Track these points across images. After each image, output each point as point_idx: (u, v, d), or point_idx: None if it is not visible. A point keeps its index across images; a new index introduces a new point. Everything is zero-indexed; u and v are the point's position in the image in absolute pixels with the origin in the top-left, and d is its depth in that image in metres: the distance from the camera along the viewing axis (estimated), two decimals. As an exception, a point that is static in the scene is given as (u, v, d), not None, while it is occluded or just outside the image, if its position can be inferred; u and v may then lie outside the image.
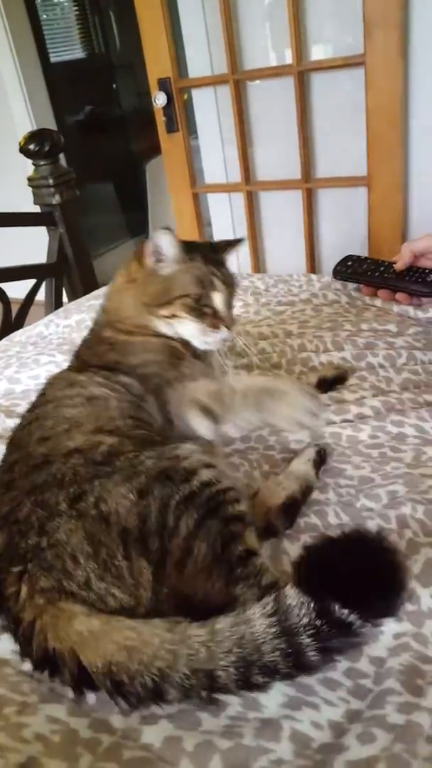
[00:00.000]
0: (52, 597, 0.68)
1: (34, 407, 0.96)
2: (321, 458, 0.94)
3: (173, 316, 1.01)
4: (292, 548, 0.80)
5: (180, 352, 1.02)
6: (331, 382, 1.13)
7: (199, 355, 1.03)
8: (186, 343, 1.03)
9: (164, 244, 1.00)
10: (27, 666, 0.69)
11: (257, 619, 0.62)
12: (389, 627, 0.69)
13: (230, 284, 1.06)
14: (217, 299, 1.02)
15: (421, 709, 0.60)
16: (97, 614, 0.66)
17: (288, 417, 0.85)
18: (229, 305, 1.05)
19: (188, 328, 1.01)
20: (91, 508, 0.72)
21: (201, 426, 0.87)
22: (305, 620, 0.61)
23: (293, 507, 0.86)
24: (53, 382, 1.00)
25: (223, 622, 0.63)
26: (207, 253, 1.06)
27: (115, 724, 0.63)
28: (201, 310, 1.01)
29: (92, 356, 1.03)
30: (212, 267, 1.03)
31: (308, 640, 0.60)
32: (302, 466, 0.92)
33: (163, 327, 1.02)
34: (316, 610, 0.61)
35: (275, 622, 0.61)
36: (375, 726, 0.59)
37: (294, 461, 0.94)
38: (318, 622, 0.61)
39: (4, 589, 0.71)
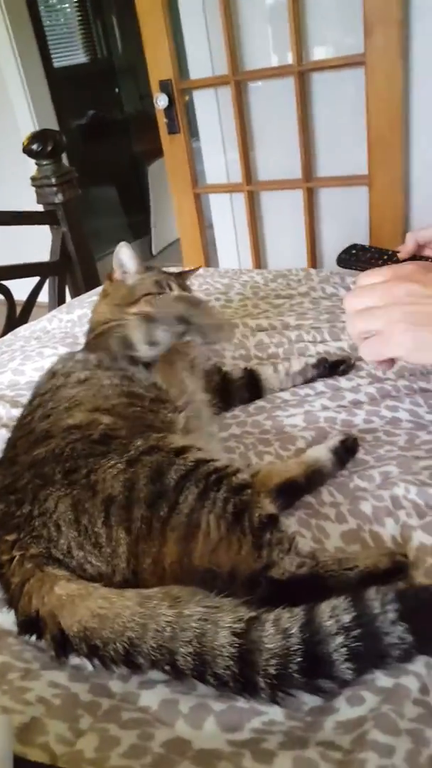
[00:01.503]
0: (39, 562, 0.70)
1: (31, 401, 1.01)
2: (347, 448, 0.93)
3: (140, 312, 1.13)
4: (284, 521, 0.82)
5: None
6: (332, 365, 1.15)
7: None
8: None
9: (125, 257, 1.21)
10: (30, 637, 0.71)
11: (222, 629, 0.61)
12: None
13: (187, 289, 1.25)
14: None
15: (408, 673, 0.62)
16: (77, 580, 0.69)
17: (199, 321, 0.96)
18: None
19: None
20: (82, 477, 0.74)
21: (140, 333, 0.98)
22: (271, 670, 0.58)
23: (292, 489, 0.86)
24: (42, 378, 1.07)
25: (192, 610, 0.62)
26: (165, 272, 1.27)
27: (114, 688, 0.65)
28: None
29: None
30: (169, 276, 1.23)
31: (262, 683, 0.58)
32: (316, 452, 0.92)
33: None
34: (300, 664, 0.58)
35: (237, 643, 0.60)
36: (364, 689, 0.61)
37: (314, 447, 0.94)
38: (292, 674, 0.58)
39: None
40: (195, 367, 1.11)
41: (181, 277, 1.28)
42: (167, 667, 0.61)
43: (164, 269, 1.31)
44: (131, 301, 1.16)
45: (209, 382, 1.11)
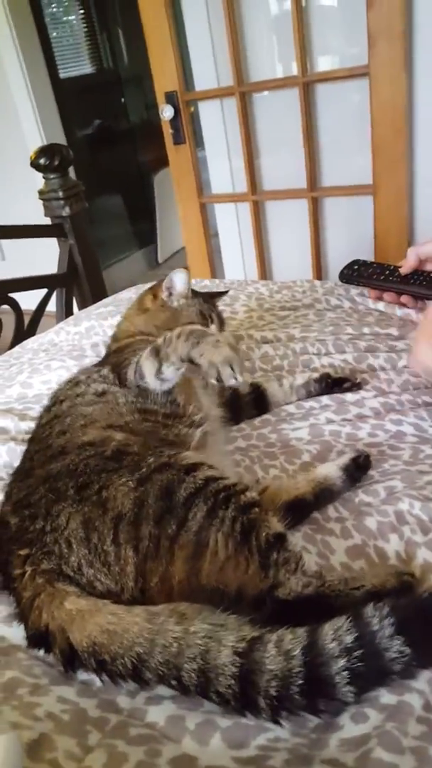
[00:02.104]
0: (50, 578, 0.72)
1: (50, 408, 1.02)
2: (359, 466, 0.93)
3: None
4: (292, 539, 0.83)
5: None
6: (334, 383, 1.15)
7: None
8: None
9: (178, 281, 1.19)
10: (39, 651, 0.72)
11: (225, 648, 0.62)
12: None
13: (222, 322, 1.26)
14: (214, 331, 1.15)
15: (412, 690, 0.63)
16: (86, 596, 0.70)
17: (209, 359, 0.91)
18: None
19: None
20: (94, 494, 0.76)
21: (149, 367, 0.96)
22: (272, 691, 0.59)
23: (300, 507, 0.87)
24: (61, 386, 1.09)
25: (197, 626, 0.64)
26: (205, 297, 1.26)
27: (122, 704, 0.66)
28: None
29: (100, 364, 1.14)
30: (210, 306, 1.23)
31: (263, 703, 0.60)
32: (325, 470, 0.92)
33: None
34: (301, 686, 0.59)
35: (239, 663, 0.61)
36: (368, 706, 0.61)
37: (324, 464, 0.94)
38: (293, 696, 0.59)
39: (11, 570, 0.75)
40: (209, 383, 1.12)
41: (213, 300, 1.28)
42: (173, 682, 0.62)
43: (195, 289, 1.27)
44: (173, 327, 1.08)
45: (221, 397, 1.12)
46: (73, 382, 1.05)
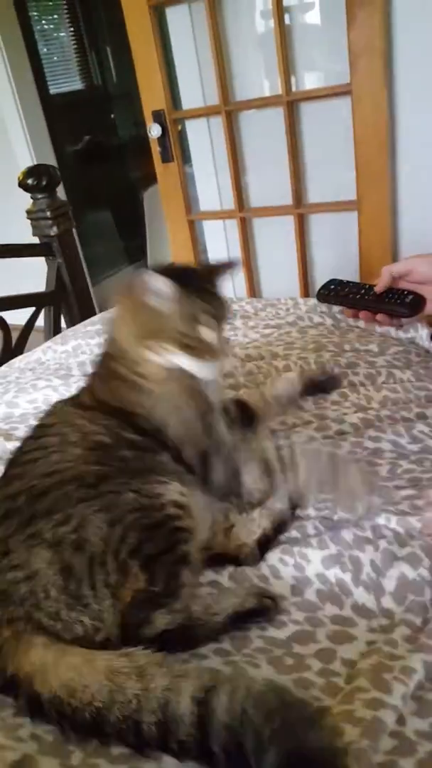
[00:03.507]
0: (18, 627, 0.73)
1: (37, 436, 0.96)
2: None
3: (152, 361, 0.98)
4: (272, 557, 0.85)
5: (202, 392, 0.97)
6: (320, 387, 1.17)
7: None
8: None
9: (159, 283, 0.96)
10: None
11: (184, 695, 0.63)
12: (362, 634, 0.75)
13: (220, 315, 0.97)
14: (205, 332, 0.94)
15: (386, 706, 0.64)
16: (53, 646, 0.71)
17: (349, 491, 0.87)
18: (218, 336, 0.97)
19: (182, 362, 0.95)
20: (71, 533, 0.77)
21: (252, 479, 0.91)
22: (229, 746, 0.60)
23: (266, 544, 0.88)
24: (58, 412, 1.00)
25: (156, 682, 0.65)
26: (198, 283, 0.97)
27: (104, 724, 0.67)
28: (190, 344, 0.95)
29: (105, 392, 0.99)
30: (200, 301, 0.94)
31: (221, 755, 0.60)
32: (278, 504, 0.92)
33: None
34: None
35: (196, 712, 0.62)
36: (344, 722, 0.63)
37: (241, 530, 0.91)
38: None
39: None
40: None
41: (215, 284, 1.00)
42: (132, 739, 0.63)
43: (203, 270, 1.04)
44: (153, 337, 0.94)
45: None
46: (70, 423, 0.95)
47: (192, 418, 0.94)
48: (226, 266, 1.05)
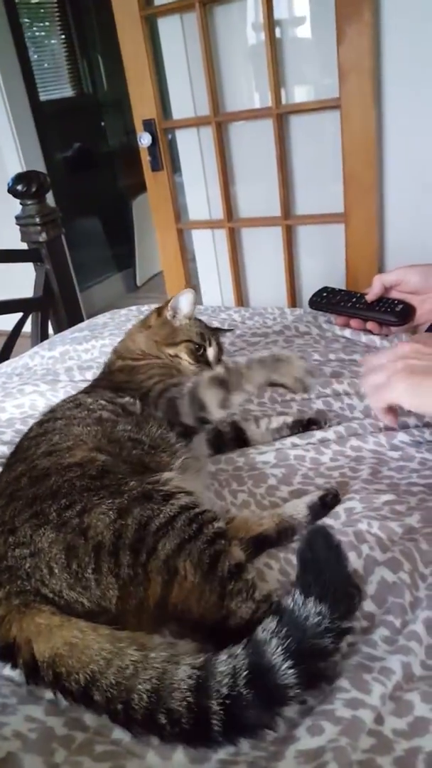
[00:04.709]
0: (27, 599, 0.74)
1: (42, 422, 1.04)
2: (325, 504, 0.94)
3: (176, 356, 1.23)
4: (249, 567, 0.86)
5: (179, 371, 1.21)
6: (306, 423, 1.17)
7: None
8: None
9: (184, 301, 1.26)
10: (7, 671, 0.74)
11: (183, 664, 0.64)
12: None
13: (221, 349, 1.31)
14: (210, 353, 1.26)
15: (366, 706, 0.66)
16: (60, 613, 0.72)
17: (292, 375, 1.01)
18: (218, 361, 1.26)
19: (186, 369, 1.22)
20: (75, 517, 0.78)
21: (213, 398, 1.02)
22: (224, 690, 0.62)
23: (261, 542, 0.89)
24: (62, 403, 1.11)
25: (156, 653, 0.66)
26: (211, 328, 1.33)
27: (88, 722, 0.68)
28: (197, 357, 1.23)
29: (104, 381, 1.21)
30: (213, 334, 1.29)
31: (216, 708, 0.61)
32: (292, 508, 0.93)
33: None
34: (248, 678, 0.62)
35: (195, 676, 0.63)
36: (324, 719, 0.64)
37: (292, 501, 0.96)
38: (242, 691, 0.61)
39: None
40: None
41: (217, 332, 1.34)
42: (119, 707, 0.64)
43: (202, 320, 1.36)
44: (171, 342, 1.24)
45: (208, 434, 1.15)
46: (76, 402, 1.07)
47: (157, 373, 1.16)
48: (225, 330, 1.47)
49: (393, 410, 0.97)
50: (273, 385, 1.04)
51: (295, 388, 1.02)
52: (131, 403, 1.07)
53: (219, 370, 1.05)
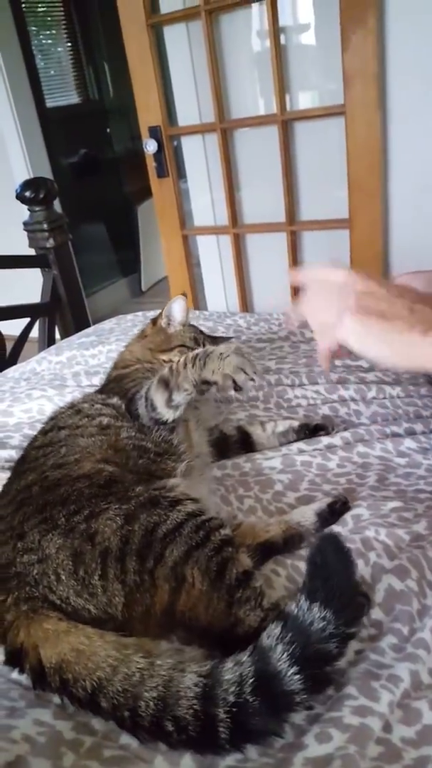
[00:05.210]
0: (35, 605, 0.74)
1: (45, 431, 1.05)
2: (334, 511, 0.93)
3: (169, 361, 1.18)
4: (257, 574, 0.86)
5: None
6: (313, 429, 1.17)
7: None
8: None
9: (176, 309, 1.28)
10: (15, 674, 0.74)
11: (189, 672, 0.65)
12: (351, 643, 0.76)
13: None
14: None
15: (374, 713, 0.66)
16: (67, 620, 0.72)
17: (221, 373, 0.99)
18: None
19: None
20: (82, 522, 0.79)
21: (160, 398, 1.02)
22: (230, 698, 0.62)
23: (268, 549, 0.89)
24: (61, 411, 1.12)
25: (162, 660, 0.66)
26: (206, 335, 1.34)
27: (97, 726, 0.68)
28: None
29: (100, 389, 1.23)
30: (208, 339, 1.31)
31: (223, 715, 0.61)
32: (299, 515, 0.93)
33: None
34: (254, 685, 0.62)
35: (201, 684, 0.63)
36: (332, 726, 0.64)
37: (301, 508, 0.95)
38: (249, 699, 0.61)
39: None
40: (200, 422, 1.17)
41: (215, 342, 1.33)
42: (126, 713, 0.64)
43: (201, 328, 1.37)
44: (165, 348, 1.26)
45: (210, 436, 1.16)
46: (75, 409, 1.08)
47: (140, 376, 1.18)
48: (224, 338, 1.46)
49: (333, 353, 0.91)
50: (205, 383, 1.02)
51: (224, 386, 0.99)
52: (118, 405, 1.09)
53: (165, 370, 1.04)
